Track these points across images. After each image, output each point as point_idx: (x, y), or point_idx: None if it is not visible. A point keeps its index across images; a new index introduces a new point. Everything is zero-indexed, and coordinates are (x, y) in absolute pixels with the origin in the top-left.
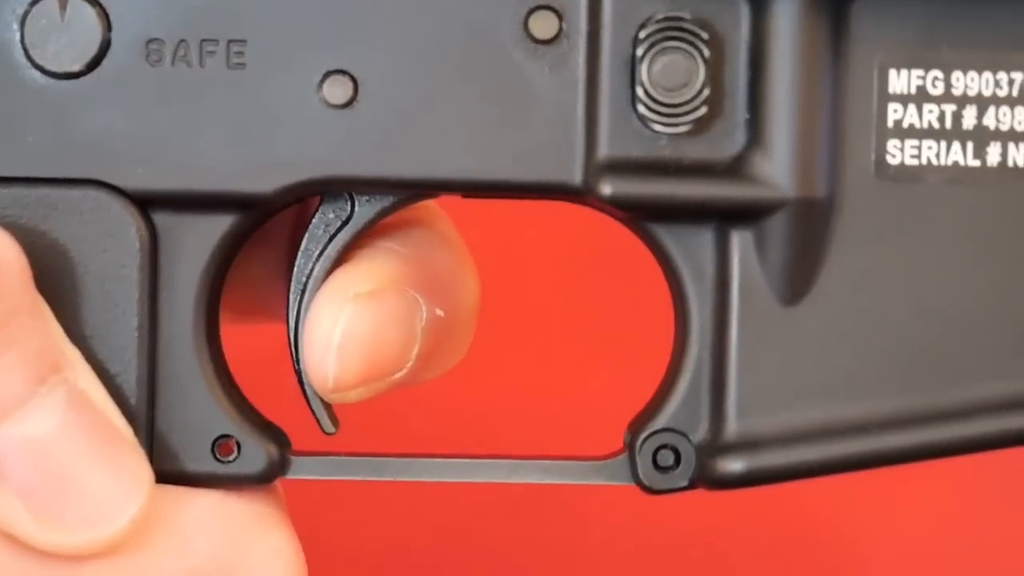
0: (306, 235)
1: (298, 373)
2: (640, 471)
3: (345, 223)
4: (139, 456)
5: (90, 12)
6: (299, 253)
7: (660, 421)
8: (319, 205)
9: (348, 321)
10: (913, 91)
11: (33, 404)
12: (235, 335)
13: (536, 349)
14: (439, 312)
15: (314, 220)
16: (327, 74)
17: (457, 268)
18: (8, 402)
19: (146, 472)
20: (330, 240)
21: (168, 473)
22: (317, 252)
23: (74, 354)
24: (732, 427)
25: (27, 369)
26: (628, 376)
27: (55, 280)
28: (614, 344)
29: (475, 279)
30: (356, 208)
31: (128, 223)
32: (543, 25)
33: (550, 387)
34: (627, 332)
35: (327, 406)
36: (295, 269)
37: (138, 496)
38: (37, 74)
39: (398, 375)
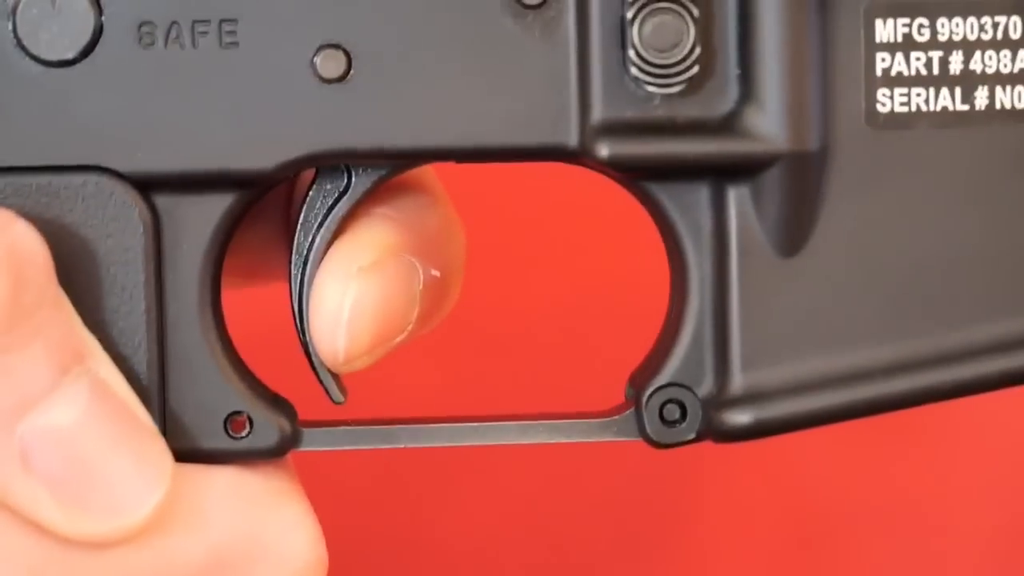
0: (304, 208)
1: (304, 345)
2: (647, 426)
3: (343, 194)
4: (160, 444)
5: None
6: (298, 227)
7: (664, 376)
8: (315, 177)
9: (355, 296)
10: (900, 39)
11: (58, 394)
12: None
13: (534, 308)
14: (435, 273)
15: (311, 193)
16: (320, 48)
17: (447, 226)
18: (34, 392)
19: (167, 460)
20: (328, 212)
21: (182, 452)
22: (316, 224)
23: (94, 344)
24: (737, 379)
25: (52, 359)
26: (626, 332)
27: (61, 267)
28: (612, 301)
29: (462, 233)
30: (353, 179)
31: (130, 207)
32: None
33: (548, 346)
34: (623, 290)
35: (335, 376)
36: (295, 242)
37: (161, 484)
38: (31, 63)
39: (400, 338)
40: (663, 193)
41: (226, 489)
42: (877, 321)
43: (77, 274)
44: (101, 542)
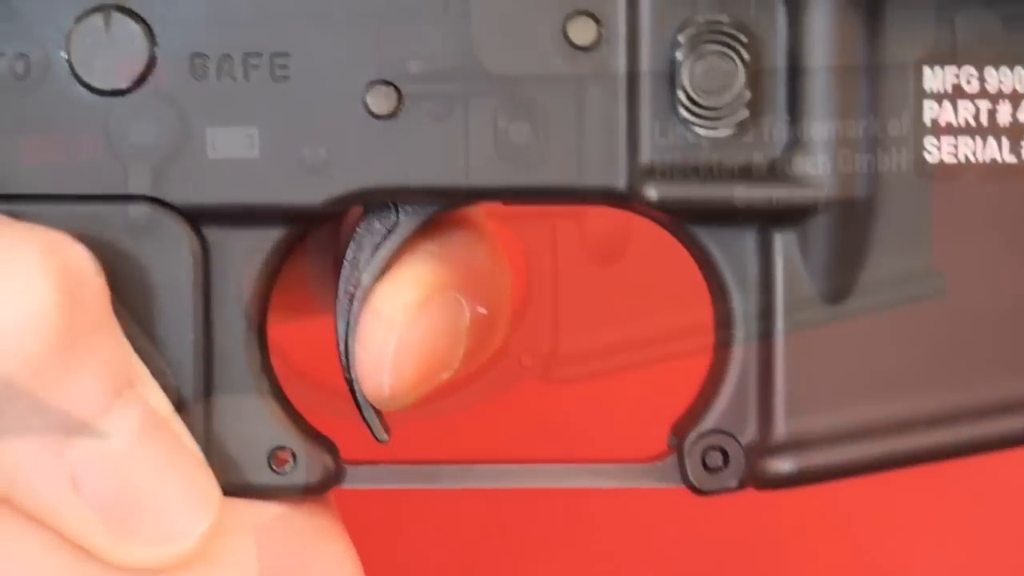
0: (351, 245)
1: (349, 382)
2: (690, 473)
3: (390, 232)
4: (208, 473)
5: (135, 28)
6: (345, 263)
7: (708, 423)
8: (363, 214)
9: (400, 333)
10: (949, 89)
11: (109, 418)
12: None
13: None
14: (481, 310)
15: (359, 230)
16: (371, 84)
17: (493, 263)
18: (86, 415)
19: (215, 489)
20: (375, 250)
21: (226, 485)
22: (363, 262)
23: (144, 371)
24: (781, 427)
25: (104, 383)
26: (666, 378)
27: (111, 297)
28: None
29: (509, 271)
30: (401, 217)
31: (180, 238)
32: (582, 31)
33: (590, 390)
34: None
35: (379, 414)
36: (341, 279)
37: (208, 513)
38: (84, 91)
39: (446, 375)
40: (709, 238)
41: (272, 524)
42: (922, 371)
43: (126, 303)
44: (147, 569)
